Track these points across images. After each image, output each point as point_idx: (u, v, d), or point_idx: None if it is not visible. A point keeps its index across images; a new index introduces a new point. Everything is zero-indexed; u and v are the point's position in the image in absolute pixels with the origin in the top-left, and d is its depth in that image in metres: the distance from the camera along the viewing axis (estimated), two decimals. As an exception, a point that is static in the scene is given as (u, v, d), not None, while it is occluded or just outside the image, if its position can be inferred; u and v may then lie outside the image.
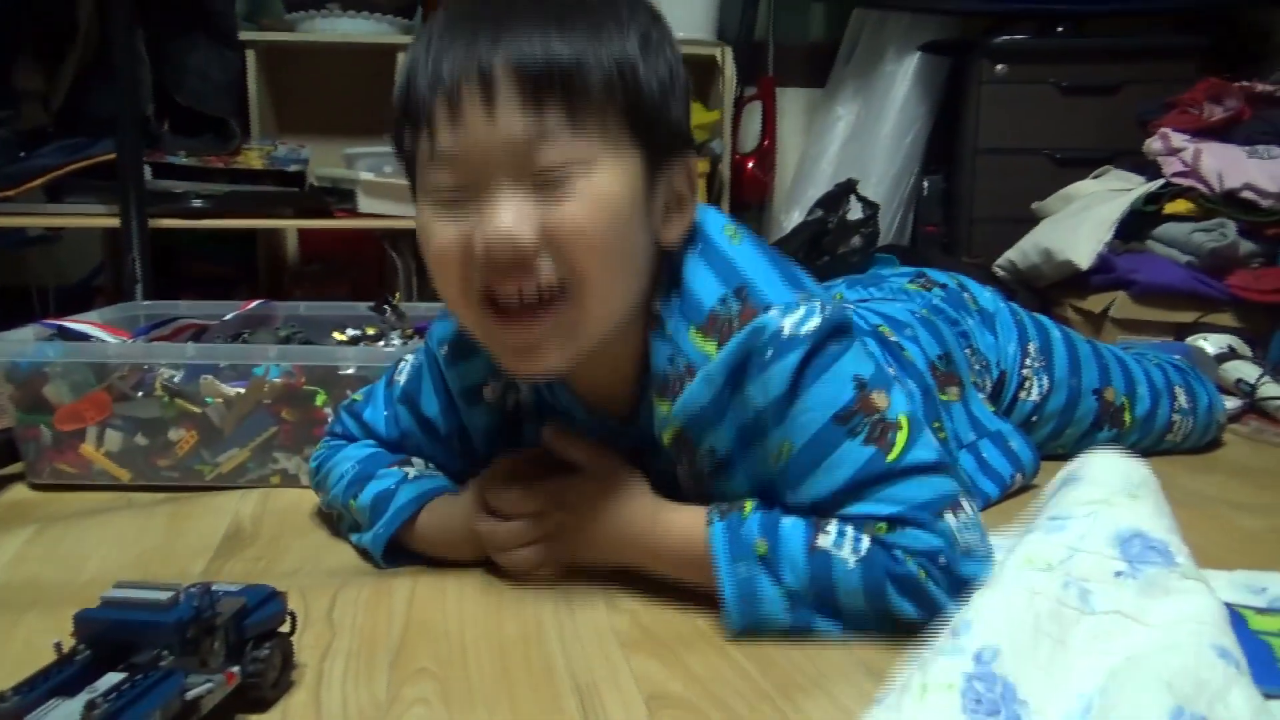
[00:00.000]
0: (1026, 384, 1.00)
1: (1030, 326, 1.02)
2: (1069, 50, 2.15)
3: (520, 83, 0.57)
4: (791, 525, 0.63)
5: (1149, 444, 1.06)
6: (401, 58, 2.18)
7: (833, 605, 0.62)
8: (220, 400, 0.94)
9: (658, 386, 0.67)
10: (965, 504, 0.63)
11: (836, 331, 0.64)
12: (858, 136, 2.37)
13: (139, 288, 1.46)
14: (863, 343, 0.66)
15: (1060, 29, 2.18)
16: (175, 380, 0.94)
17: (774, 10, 2.44)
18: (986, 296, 1.03)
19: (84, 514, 0.88)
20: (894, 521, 0.61)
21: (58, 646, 0.50)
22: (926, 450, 0.63)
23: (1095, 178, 1.88)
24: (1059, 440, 1.03)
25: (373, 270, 2.16)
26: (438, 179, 0.60)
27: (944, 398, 0.88)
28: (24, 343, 0.97)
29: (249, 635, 0.53)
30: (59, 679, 0.48)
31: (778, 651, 0.61)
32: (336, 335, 1.16)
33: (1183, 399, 1.08)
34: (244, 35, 2.02)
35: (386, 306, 1.19)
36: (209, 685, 0.49)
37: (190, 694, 0.48)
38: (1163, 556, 0.55)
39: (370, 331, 1.16)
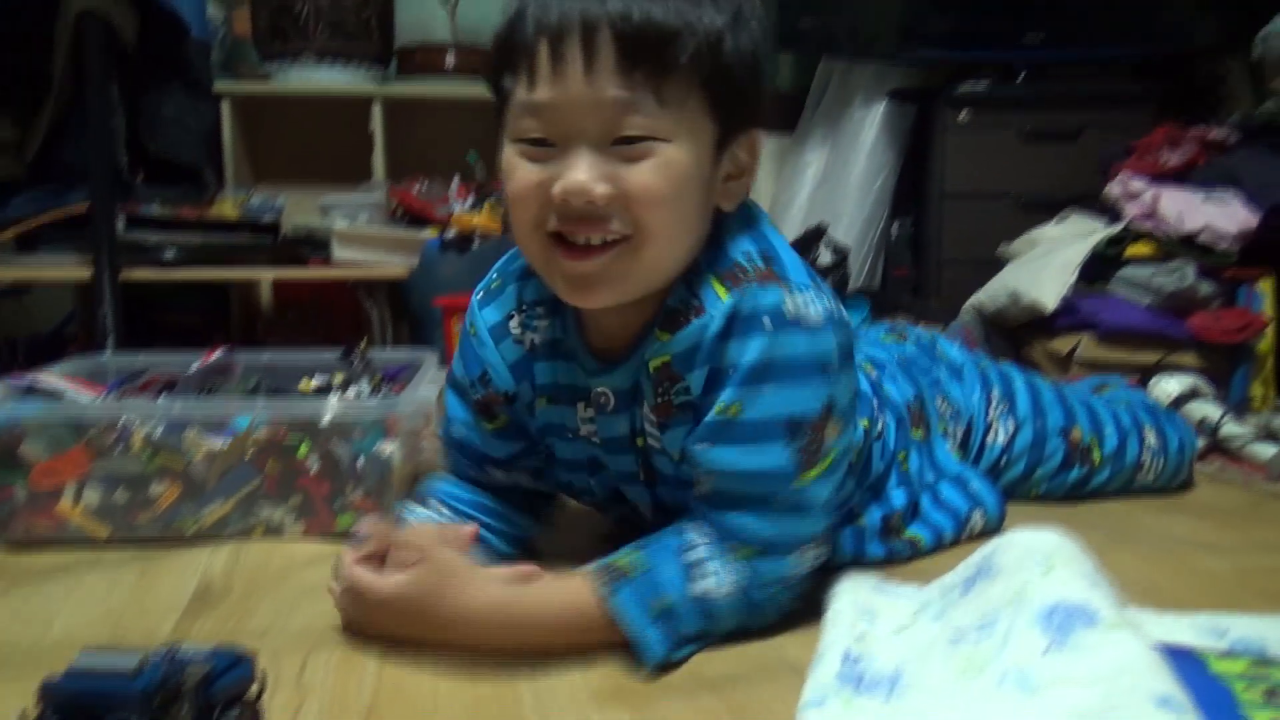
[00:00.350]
0: (992, 428, 1.03)
1: (993, 376, 1.06)
2: (1030, 98, 2.21)
3: (620, 45, 0.62)
4: (668, 575, 0.67)
5: (1121, 483, 1.08)
6: (378, 109, 2.21)
7: (716, 626, 0.69)
8: (203, 454, 0.94)
9: (665, 321, 0.70)
10: (821, 545, 0.73)
11: (841, 355, 0.69)
12: (827, 181, 2.42)
13: (111, 340, 1.46)
14: (853, 370, 0.72)
15: (1021, 77, 2.24)
16: (156, 435, 0.93)
17: (743, 59, 2.49)
18: (954, 351, 1.07)
19: (52, 571, 0.87)
20: (764, 548, 0.68)
21: (22, 716, 0.49)
22: (825, 488, 0.70)
23: (1058, 221, 1.93)
24: (1030, 482, 1.05)
25: (347, 318, 2.17)
26: (527, 125, 0.65)
27: (913, 435, 0.93)
28: (-7, 400, 0.96)
29: (216, 700, 0.53)
30: None
31: (748, 696, 0.62)
32: (304, 384, 1.15)
33: (1152, 439, 1.10)
34: (220, 86, 2.04)
35: (355, 354, 1.20)
36: None
37: None
38: (1085, 617, 0.58)
39: (338, 379, 1.16)
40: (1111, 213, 1.80)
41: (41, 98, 1.61)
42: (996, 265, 1.93)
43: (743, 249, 0.70)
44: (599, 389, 0.76)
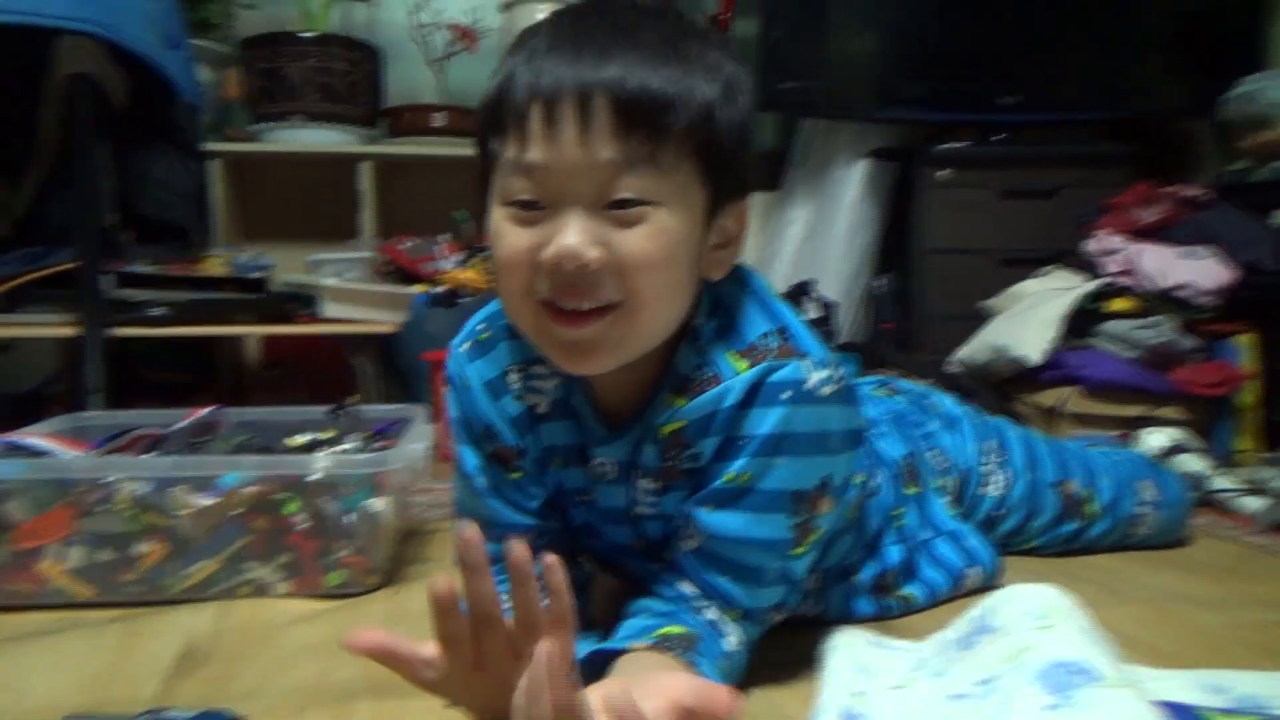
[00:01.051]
0: (986, 480, 1.03)
1: (988, 428, 1.06)
2: (1007, 157, 2.26)
3: (616, 110, 0.61)
4: (708, 635, 0.67)
5: (1117, 537, 1.09)
6: (366, 168, 2.23)
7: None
8: (190, 511, 0.93)
9: (675, 385, 0.70)
10: (786, 606, 0.74)
11: (852, 434, 0.70)
12: (812, 237, 2.45)
13: (98, 398, 1.44)
14: (856, 449, 0.72)
15: (998, 137, 2.29)
16: (141, 493, 0.92)
17: (727, 120, 2.53)
18: (948, 403, 1.08)
19: (30, 635, 0.85)
20: (745, 614, 0.70)
21: None
22: (808, 561, 0.72)
23: (1039, 277, 1.96)
24: (1025, 533, 1.05)
25: (334, 374, 2.16)
26: (518, 186, 0.63)
27: (907, 491, 0.93)
28: (-24, 459, 0.95)
29: None
30: None
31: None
32: (290, 440, 1.15)
33: (1147, 493, 1.10)
34: (209, 145, 2.05)
35: (343, 410, 1.19)
36: None
37: None
38: (1085, 675, 0.57)
39: (325, 435, 1.15)
40: (1091, 268, 1.83)
41: (29, 158, 1.62)
42: (981, 319, 1.95)
43: (759, 330, 0.69)
44: (598, 460, 0.75)
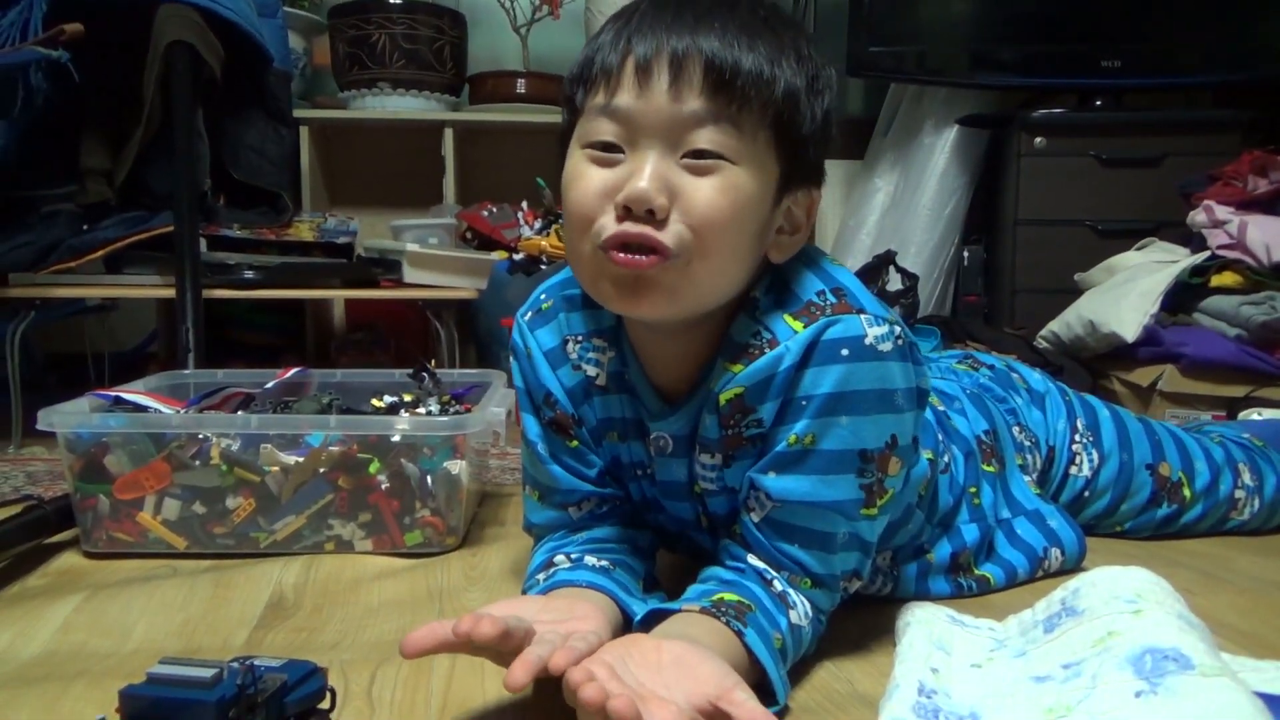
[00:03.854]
0: (1077, 459, 0.99)
1: (1078, 405, 1.02)
2: (1108, 124, 2.16)
3: (708, 69, 0.63)
4: (772, 608, 0.66)
5: (1213, 521, 1.04)
6: (449, 134, 2.25)
7: (798, 656, 0.68)
8: (278, 468, 0.96)
9: (731, 353, 0.69)
10: (861, 573, 0.72)
11: (917, 392, 0.69)
12: (897, 207, 2.39)
13: (191, 357, 1.50)
14: (920, 408, 0.70)
15: (1099, 102, 2.19)
16: (233, 449, 0.96)
17: (812, 85, 2.48)
18: (1035, 378, 1.04)
19: (131, 582, 0.89)
20: (818, 581, 0.69)
21: None
22: (880, 525, 0.71)
23: (1139, 249, 1.87)
24: (1114, 517, 1.02)
25: (416, 338, 2.20)
26: (601, 128, 0.65)
27: (986, 469, 0.89)
28: (82, 414, 0.99)
29: (289, 713, 0.54)
30: None
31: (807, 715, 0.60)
32: (374, 402, 1.17)
33: (1247, 476, 1.05)
34: (299, 113, 2.10)
35: (424, 373, 1.21)
36: None
37: None
38: (1178, 662, 0.55)
39: (408, 398, 1.18)
40: (1195, 241, 1.75)
41: (131, 127, 1.68)
42: (1071, 293, 1.88)
43: (814, 289, 0.69)
44: (659, 432, 0.75)
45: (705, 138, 0.63)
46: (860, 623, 0.73)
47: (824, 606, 0.70)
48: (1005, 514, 0.90)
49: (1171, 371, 1.56)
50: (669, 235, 0.63)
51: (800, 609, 0.68)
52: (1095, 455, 1.00)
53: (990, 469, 0.90)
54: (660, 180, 0.63)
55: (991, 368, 1.04)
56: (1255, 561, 0.98)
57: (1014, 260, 2.17)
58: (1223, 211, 1.68)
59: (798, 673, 0.68)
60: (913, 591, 0.82)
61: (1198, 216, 1.73)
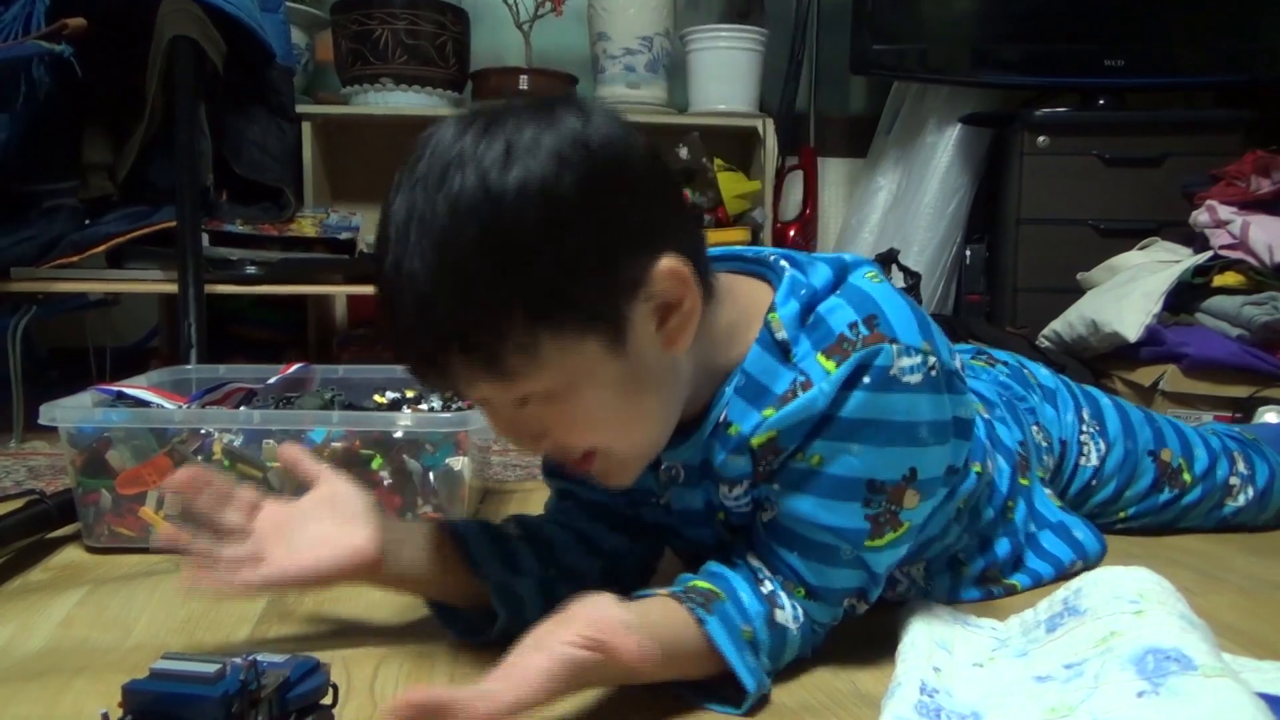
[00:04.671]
0: (1085, 449, 0.99)
1: (1080, 395, 1.02)
2: (1111, 123, 2.16)
3: (456, 356, 0.58)
4: (749, 602, 0.65)
5: (1210, 506, 1.05)
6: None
7: (783, 660, 0.67)
8: (280, 464, 0.96)
9: (752, 393, 0.66)
10: (866, 598, 0.70)
11: (946, 425, 0.66)
12: (899, 206, 2.39)
13: (193, 352, 1.50)
14: (952, 442, 0.68)
15: (1102, 102, 2.19)
16: (236, 445, 0.96)
17: (815, 83, 2.49)
18: (1044, 374, 1.03)
19: (133, 577, 0.89)
20: (812, 593, 0.67)
21: (104, 717, 0.50)
22: (891, 556, 0.68)
23: (1141, 249, 1.87)
24: (1118, 504, 1.02)
25: (418, 335, 2.20)
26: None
27: (1021, 482, 0.89)
28: (84, 409, 0.99)
29: (291, 709, 0.53)
30: None
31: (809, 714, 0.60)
32: (377, 398, 1.17)
33: (1241, 465, 1.06)
34: (301, 108, 2.10)
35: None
36: None
37: None
38: (1180, 663, 0.55)
39: (410, 394, 1.18)
40: (1197, 241, 1.75)
41: (133, 122, 1.68)
42: (1073, 292, 1.88)
43: (846, 320, 0.65)
44: (669, 463, 0.73)
45: (514, 392, 0.60)
46: (862, 622, 0.72)
47: (820, 619, 0.68)
48: (1031, 528, 0.90)
49: (1173, 371, 1.56)
50: (569, 452, 0.64)
51: (789, 611, 0.66)
52: (1102, 444, 1.00)
53: (1024, 482, 0.89)
54: (512, 431, 0.64)
55: (1005, 364, 1.02)
56: (1255, 562, 0.97)
57: (1016, 259, 2.17)
58: (1225, 211, 1.68)
59: (797, 671, 0.68)
60: (945, 597, 0.81)
61: (1200, 216, 1.73)
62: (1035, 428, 0.95)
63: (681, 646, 0.62)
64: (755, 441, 0.66)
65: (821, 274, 0.68)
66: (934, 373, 0.65)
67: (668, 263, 0.60)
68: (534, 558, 0.76)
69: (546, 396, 0.61)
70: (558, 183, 0.56)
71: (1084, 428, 1.00)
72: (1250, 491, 1.06)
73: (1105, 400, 1.04)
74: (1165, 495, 1.03)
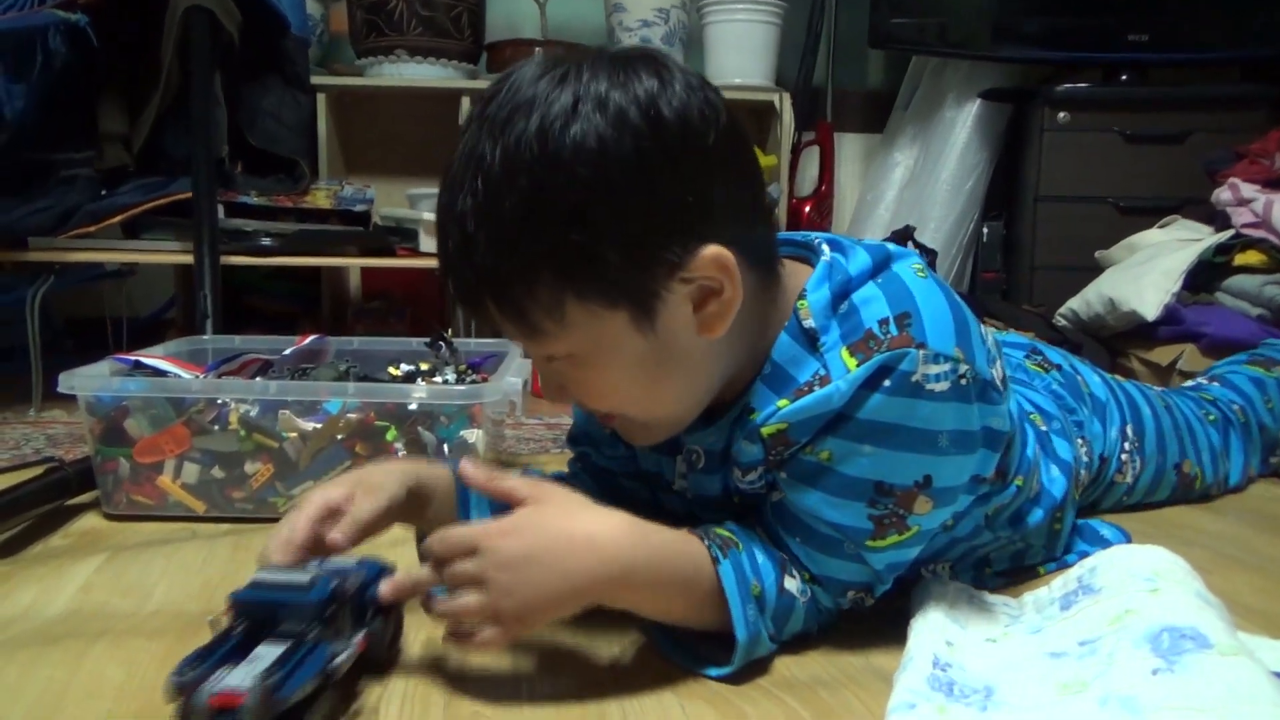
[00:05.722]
0: (1124, 468, 0.99)
1: (1128, 410, 1.00)
2: (1133, 99, 2.13)
3: (488, 299, 0.60)
4: (764, 562, 0.65)
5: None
6: (466, 102, 2.25)
7: (786, 630, 0.66)
8: (296, 435, 0.96)
9: (777, 382, 0.65)
10: (872, 593, 0.69)
11: (972, 435, 0.65)
12: (916, 181, 2.37)
13: (209, 323, 1.51)
14: (978, 452, 0.67)
15: (1124, 77, 2.16)
16: (252, 415, 0.96)
17: (832, 58, 2.46)
18: (1096, 382, 1.00)
19: (151, 544, 0.90)
20: (813, 579, 0.67)
21: (213, 623, 0.57)
22: (895, 557, 0.67)
23: (1161, 227, 1.85)
24: (1129, 503, 1.03)
25: (431, 307, 2.20)
26: None
27: (1074, 497, 0.87)
28: (103, 378, 1.00)
29: (368, 607, 0.61)
30: (222, 652, 0.54)
31: (834, 700, 0.61)
32: (391, 370, 1.18)
33: (1225, 462, 1.10)
34: (316, 80, 2.09)
35: (441, 342, 1.22)
36: (347, 651, 0.57)
37: (334, 661, 0.56)
38: (1196, 641, 0.55)
39: (424, 367, 1.18)
40: (1219, 219, 1.73)
41: (149, 92, 1.68)
42: (1091, 271, 1.87)
43: (878, 315, 0.63)
44: (692, 446, 0.72)
45: (545, 348, 0.62)
46: (878, 600, 0.72)
47: (823, 603, 0.68)
48: (1070, 542, 0.88)
49: (1191, 351, 1.55)
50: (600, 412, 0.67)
51: (798, 583, 0.66)
52: (1139, 461, 0.99)
53: (1075, 496, 0.87)
54: (547, 385, 0.66)
55: (1059, 368, 0.98)
56: (1273, 541, 0.97)
57: (1034, 237, 2.15)
58: (1248, 189, 1.66)
59: (809, 645, 0.68)
60: (970, 583, 0.79)
61: (1223, 194, 1.71)
62: (1080, 441, 0.92)
63: (691, 581, 0.62)
64: (765, 431, 0.65)
65: (860, 260, 0.66)
66: (964, 381, 0.63)
67: (712, 250, 0.59)
68: None
69: (570, 359, 0.62)
70: (616, 147, 0.55)
71: (1126, 445, 0.98)
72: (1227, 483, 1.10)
73: (1146, 411, 1.01)
74: (1169, 495, 1.05)
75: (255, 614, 0.56)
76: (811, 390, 0.63)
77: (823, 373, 0.63)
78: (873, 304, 0.63)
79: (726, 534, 0.66)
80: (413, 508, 0.70)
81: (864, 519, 0.64)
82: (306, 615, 0.55)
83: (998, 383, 0.67)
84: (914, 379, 0.61)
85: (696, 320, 0.62)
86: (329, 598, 0.57)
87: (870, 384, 0.61)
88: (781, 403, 0.64)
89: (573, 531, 0.59)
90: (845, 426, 0.62)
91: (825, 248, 0.68)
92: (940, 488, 0.64)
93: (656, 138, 0.56)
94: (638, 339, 0.60)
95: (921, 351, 0.61)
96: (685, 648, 0.65)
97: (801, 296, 0.65)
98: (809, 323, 0.64)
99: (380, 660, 0.63)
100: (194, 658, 0.53)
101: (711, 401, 0.69)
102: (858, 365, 0.61)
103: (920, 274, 0.66)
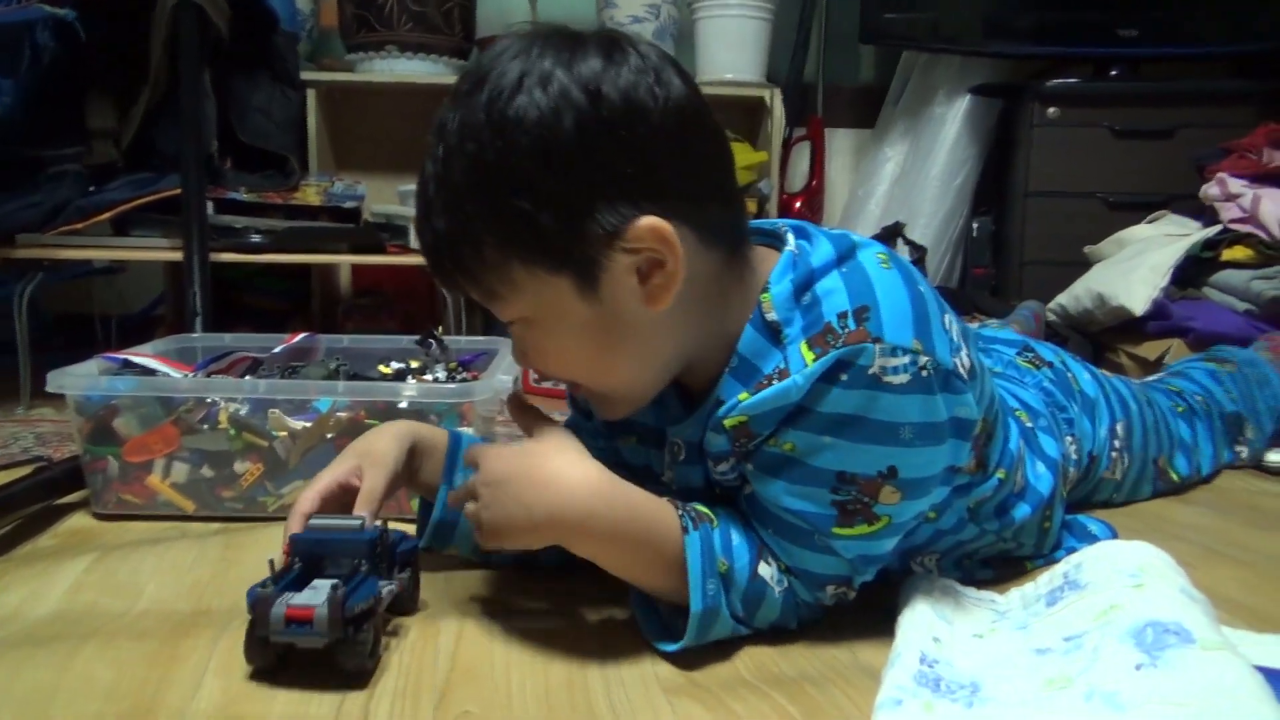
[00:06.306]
0: (1113, 466, 1.00)
1: (1118, 408, 1.00)
2: (1123, 94, 2.14)
3: (446, 261, 0.65)
4: (739, 543, 0.67)
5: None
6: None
7: (758, 617, 0.68)
8: (286, 434, 0.96)
9: (743, 373, 0.67)
10: (851, 585, 0.70)
11: (936, 426, 0.65)
12: (906, 177, 2.37)
13: (199, 320, 1.50)
14: (947, 442, 0.67)
15: (1114, 72, 2.16)
16: (241, 413, 0.96)
17: (823, 53, 2.46)
18: (1086, 379, 1.01)
19: (140, 543, 0.90)
20: (790, 570, 0.68)
21: (271, 563, 0.65)
22: (865, 548, 0.67)
23: (1150, 222, 1.86)
24: (1110, 502, 1.04)
25: (422, 304, 2.20)
26: None
27: (1061, 494, 0.87)
28: (91, 376, 1.00)
29: (397, 559, 0.71)
30: (285, 582, 0.62)
31: (821, 696, 0.61)
32: (382, 368, 1.17)
33: (1193, 456, 1.12)
34: (305, 75, 2.08)
35: (431, 340, 1.21)
36: (391, 587, 0.68)
37: (382, 591, 0.65)
38: (1180, 636, 0.55)
39: (414, 365, 1.18)
40: (1207, 214, 1.74)
41: (138, 88, 1.67)
42: (1080, 266, 1.87)
43: (838, 308, 0.63)
44: (674, 438, 0.74)
45: (503, 313, 0.66)
46: (862, 593, 0.73)
47: (802, 597, 0.69)
48: (1059, 538, 0.88)
49: (1179, 345, 1.56)
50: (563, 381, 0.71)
51: (774, 571, 0.67)
52: (1127, 458, 1.01)
53: (1063, 494, 0.88)
54: (517, 351, 0.70)
55: (1050, 365, 0.99)
56: (1257, 535, 0.98)
57: (1024, 232, 2.16)
58: (1236, 185, 1.67)
59: (796, 640, 0.69)
60: (955, 578, 0.79)
61: (1211, 189, 1.72)
62: (1070, 439, 0.93)
63: (656, 546, 0.64)
64: (727, 422, 0.66)
65: (823, 250, 0.67)
66: (925, 373, 0.63)
67: (650, 221, 0.61)
68: None
69: (524, 322, 0.66)
70: (554, 118, 0.59)
71: (1115, 443, 0.99)
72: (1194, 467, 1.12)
73: (1134, 407, 1.02)
74: (1150, 491, 1.07)
75: (312, 552, 0.65)
76: (772, 383, 0.64)
77: (783, 365, 0.64)
78: (834, 296, 0.64)
79: (705, 510, 0.67)
80: (408, 471, 0.78)
81: (827, 505, 0.65)
82: (360, 552, 0.65)
83: (961, 371, 0.67)
84: (871, 372, 0.62)
85: (643, 292, 0.63)
86: (378, 537, 0.66)
87: (828, 378, 0.62)
88: (743, 395, 0.66)
89: (544, 467, 0.64)
90: (806, 419, 0.64)
91: (790, 237, 0.69)
92: (907, 479, 0.65)
93: (596, 111, 0.59)
94: (582, 306, 0.63)
95: (878, 346, 0.62)
96: (653, 621, 0.67)
97: (765, 289, 0.66)
98: (771, 315, 0.66)
99: (405, 609, 0.72)
100: (261, 585, 0.61)
101: (691, 392, 0.71)
102: (815, 359, 0.63)
103: (884, 264, 0.67)
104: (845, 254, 0.67)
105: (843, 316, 0.63)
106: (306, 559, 0.65)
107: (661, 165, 0.62)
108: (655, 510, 0.65)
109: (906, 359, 0.62)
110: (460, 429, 0.89)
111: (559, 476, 0.64)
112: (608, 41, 0.62)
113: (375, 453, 0.76)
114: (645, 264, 0.62)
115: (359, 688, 0.61)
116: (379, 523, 0.69)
